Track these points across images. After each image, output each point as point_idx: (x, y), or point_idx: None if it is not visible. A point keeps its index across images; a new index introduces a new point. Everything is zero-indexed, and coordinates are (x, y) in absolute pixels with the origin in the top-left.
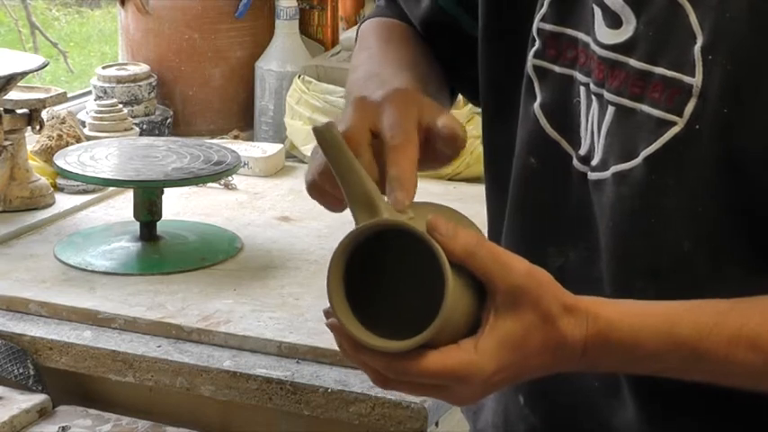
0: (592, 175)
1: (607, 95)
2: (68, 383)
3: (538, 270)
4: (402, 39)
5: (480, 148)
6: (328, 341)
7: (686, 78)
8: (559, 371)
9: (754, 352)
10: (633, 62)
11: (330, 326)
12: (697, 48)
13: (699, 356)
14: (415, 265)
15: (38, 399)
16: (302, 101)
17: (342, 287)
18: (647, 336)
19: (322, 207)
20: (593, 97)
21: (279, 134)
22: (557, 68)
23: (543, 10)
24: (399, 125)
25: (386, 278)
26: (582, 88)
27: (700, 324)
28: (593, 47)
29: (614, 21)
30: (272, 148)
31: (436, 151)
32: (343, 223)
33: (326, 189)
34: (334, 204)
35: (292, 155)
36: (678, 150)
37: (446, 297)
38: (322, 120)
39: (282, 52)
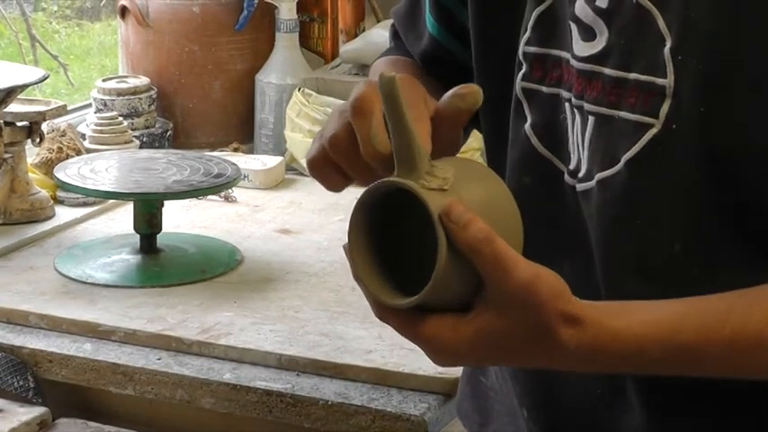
0: (579, 187)
1: (586, 107)
2: (68, 396)
3: (541, 282)
4: (408, 70)
5: (480, 160)
6: (328, 354)
7: (659, 80)
8: (552, 368)
9: (760, 351)
10: (608, 71)
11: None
12: (666, 50)
13: (702, 360)
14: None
15: (38, 411)
16: (302, 113)
17: (363, 224)
18: (650, 344)
19: (322, 219)
20: (576, 111)
21: (279, 147)
22: (544, 89)
23: (527, 34)
24: (410, 99)
25: (417, 222)
26: (567, 104)
27: (702, 327)
28: (572, 62)
29: (589, 34)
30: (272, 161)
31: (441, 142)
32: (344, 234)
33: (333, 160)
34: (336, 180)
35: (292, 167)
36: (657, 151)
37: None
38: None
39: (282, 65)
